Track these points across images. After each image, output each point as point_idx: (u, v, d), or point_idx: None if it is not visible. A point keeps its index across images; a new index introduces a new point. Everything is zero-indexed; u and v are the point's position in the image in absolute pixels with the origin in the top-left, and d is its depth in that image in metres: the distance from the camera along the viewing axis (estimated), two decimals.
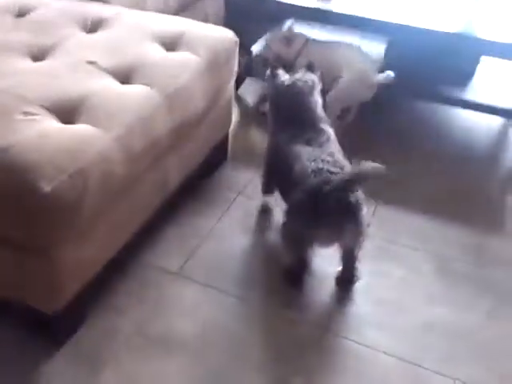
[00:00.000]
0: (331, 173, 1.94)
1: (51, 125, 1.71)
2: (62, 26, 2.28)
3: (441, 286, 2.17)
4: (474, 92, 2.92)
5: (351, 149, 2.21)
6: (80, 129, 1.71)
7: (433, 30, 2.69)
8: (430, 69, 2.98)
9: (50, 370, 1.79)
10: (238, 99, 3.21)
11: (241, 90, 3.25)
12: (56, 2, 2.49)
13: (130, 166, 1.80)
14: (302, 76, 2.26)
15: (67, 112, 1.77)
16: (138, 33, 2.26)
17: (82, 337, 1.89)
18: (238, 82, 3.23)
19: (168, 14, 2.88)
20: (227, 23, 3.00)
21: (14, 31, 2.23)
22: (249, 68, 3.21)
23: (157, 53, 2.16)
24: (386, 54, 3.01)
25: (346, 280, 2.13)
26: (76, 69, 2.00)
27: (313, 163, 1.99)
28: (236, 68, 2.46)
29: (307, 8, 2.86)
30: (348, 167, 2.01)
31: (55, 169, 1.56)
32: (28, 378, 1.77)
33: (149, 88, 1.96)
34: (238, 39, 2.40)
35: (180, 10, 3.12)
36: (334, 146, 2.14)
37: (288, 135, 2.15)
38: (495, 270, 2.24)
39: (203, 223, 2.34)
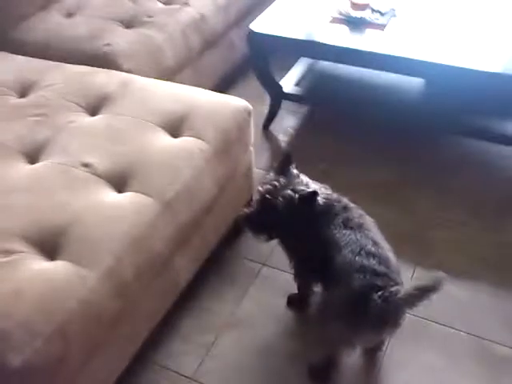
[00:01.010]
0: (377, 274, 1.66)
1: (31, 268, 1.50)
2: (62, 110, 2.08)
3: (483, 378, 1.88)
4: None
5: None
6: (61, 271, 1.50)
7: (472, 70, 2.33)
8: (471, 106, 2.64)
9: None
10: (270, 138, 2.95)
11: (272, 127, 2.97)
12: (61, 71, 2.29)
13: (124, 297, 1.59)
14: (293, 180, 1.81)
15: (51, 244, 1.57)
16: (141, 114, 2.02)
17: None
18: (269, 119, 2.98)
19: (193, 56, 2.69)
20: (252, 58, 2.76)
21: (13, 120, 2.04)
22: (276, 106, 2.95)
23: (160, 142, 1.92)
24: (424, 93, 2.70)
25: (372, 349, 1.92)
26: (69, 175, 1.80)
27: (357, 257, 1.70)
28: (252, 137, 2.20)
29: (334, 47, 2.53)
30: (391, 259, 1.73)
31: (28, 334, 1.36)
32: None
33: (146, 197, 1.73)
34: (251, 108, 2.13)
35: (206, 48, 2.89)
36: (372, 227, 1.83)
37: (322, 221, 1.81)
38: None
39: (222, 309, 2.10)
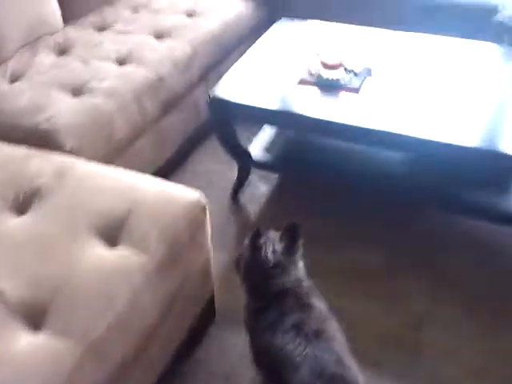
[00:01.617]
0: None
1: None
2: None
3: None
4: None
5: None
6: None
7: (458, 146, 1.95)
8: (459, 182, 2.25)
9: None
10: (237, 209, 2.55)
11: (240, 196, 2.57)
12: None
13: None
14: (285, 246, 1.56)
15: None
16: (74, 216, 1.63)
17: None
18: (237, 187, 2.58)
19: (149, 122, 2.30)
20: (214, 125, 2.36)
21: None
22: (245, 175, 2.55)
23: (92, 255, 1.52)
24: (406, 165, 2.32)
25: None
26: None
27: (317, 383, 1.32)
28: (209, 235, 1.79)
29: (303, 117, 2.13)
30: (360, 382, 1.36)
31: None
32: None
33: (67, 339, 1.33)
34: (205, 203, 1.72)
35: (165, 112, 2.48)
36: (335, 334, 1.47)
37: (271, 316, 1.49)
38: None
39: None
